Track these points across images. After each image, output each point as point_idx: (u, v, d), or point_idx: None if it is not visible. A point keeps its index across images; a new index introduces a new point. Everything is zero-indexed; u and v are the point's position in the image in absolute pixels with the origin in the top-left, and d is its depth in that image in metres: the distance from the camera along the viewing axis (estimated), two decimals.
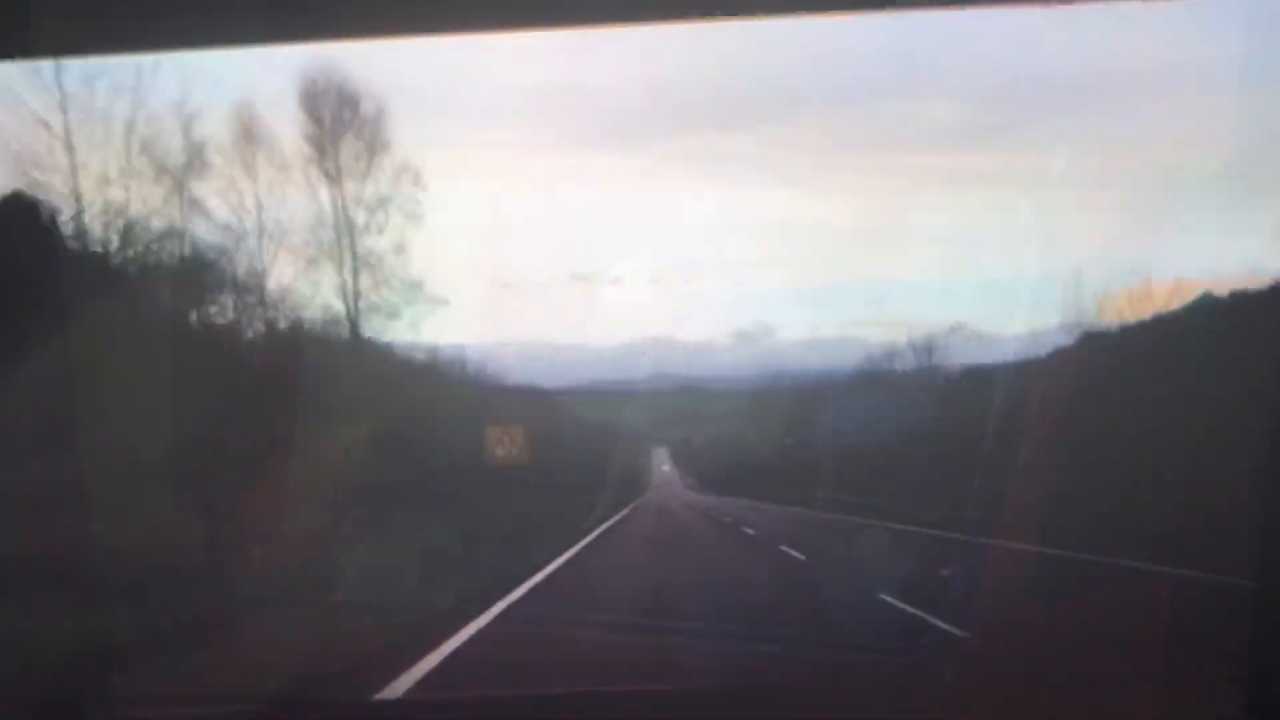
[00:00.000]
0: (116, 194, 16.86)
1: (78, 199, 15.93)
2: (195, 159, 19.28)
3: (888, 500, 28.61)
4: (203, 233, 18.84)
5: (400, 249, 24.76)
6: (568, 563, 15.88)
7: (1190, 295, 23.13)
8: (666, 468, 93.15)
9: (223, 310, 18.84)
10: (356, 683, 6.19)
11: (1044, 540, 17.32)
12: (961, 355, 36.52)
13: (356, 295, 24.69)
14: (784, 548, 18.51)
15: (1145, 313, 25.28)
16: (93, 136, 16.37)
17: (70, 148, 16.26)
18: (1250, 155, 20.23)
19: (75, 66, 14.94)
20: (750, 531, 24.76)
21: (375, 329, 25.51)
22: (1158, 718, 2.96)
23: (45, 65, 14.33)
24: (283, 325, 21.74)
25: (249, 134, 21.46)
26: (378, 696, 5.70)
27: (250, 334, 19.01)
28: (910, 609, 9.69)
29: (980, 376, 34.23)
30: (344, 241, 24.24)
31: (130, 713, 3.85)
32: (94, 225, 16.12)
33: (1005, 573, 16.91)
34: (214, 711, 3.87)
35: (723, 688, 4.60)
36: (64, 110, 15.90)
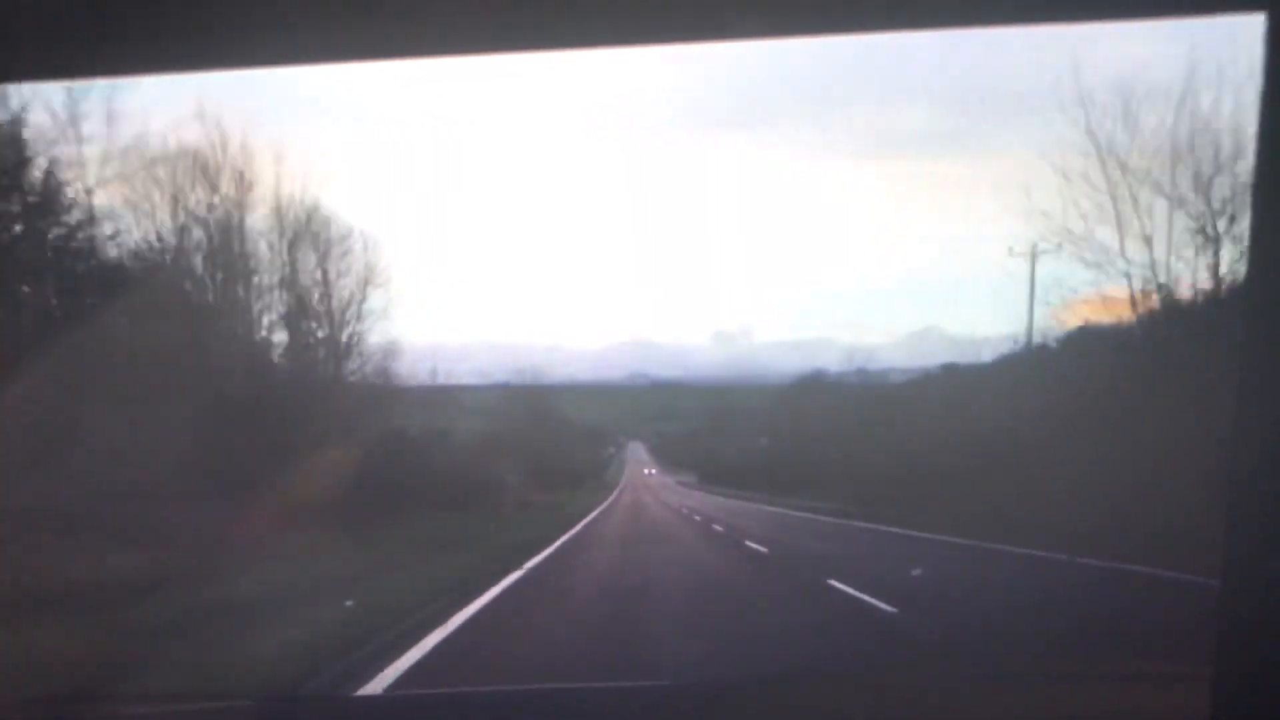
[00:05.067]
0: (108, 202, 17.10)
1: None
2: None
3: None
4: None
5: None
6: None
7: (1157, 301, 23.55)
8: (651, 472, 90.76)
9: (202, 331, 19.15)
10: (339, 679, 6.21)
11: (991, 537, 18.00)
12: (934, 357, 36.86)
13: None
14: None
15: (1116, 317, 25.72)
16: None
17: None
18: (1215, 165, 20.67)
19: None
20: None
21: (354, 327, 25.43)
22: (1124, 715, 3.04)
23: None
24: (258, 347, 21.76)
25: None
26: (360, 692, 5.73)
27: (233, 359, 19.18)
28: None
29: (950, 378, 34.65)
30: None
31: (116, 710, 3.86)
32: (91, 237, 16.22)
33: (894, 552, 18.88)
34: (197, 708, 3.88)
35: (705, 683, 4.67)
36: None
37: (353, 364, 25.24)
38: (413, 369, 29.72)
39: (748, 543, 20.78)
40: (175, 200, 19.21)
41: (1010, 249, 29.83)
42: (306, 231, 23.44)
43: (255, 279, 21.83)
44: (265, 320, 22.46)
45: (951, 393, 32.08)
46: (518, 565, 14.76)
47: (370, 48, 2.29)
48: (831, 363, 46.17)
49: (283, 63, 2.37)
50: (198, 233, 19.87)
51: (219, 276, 20.57)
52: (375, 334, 25.67)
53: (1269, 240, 1.81)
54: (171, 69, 2.70)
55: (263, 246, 22.24)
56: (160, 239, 19.07)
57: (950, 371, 35.40)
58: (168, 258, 18.98)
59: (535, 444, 41.55)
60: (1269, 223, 1.79)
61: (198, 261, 20.02)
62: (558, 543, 21.20)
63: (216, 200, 20.09)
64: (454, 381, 36.83)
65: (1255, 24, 1.61)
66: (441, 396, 33.09)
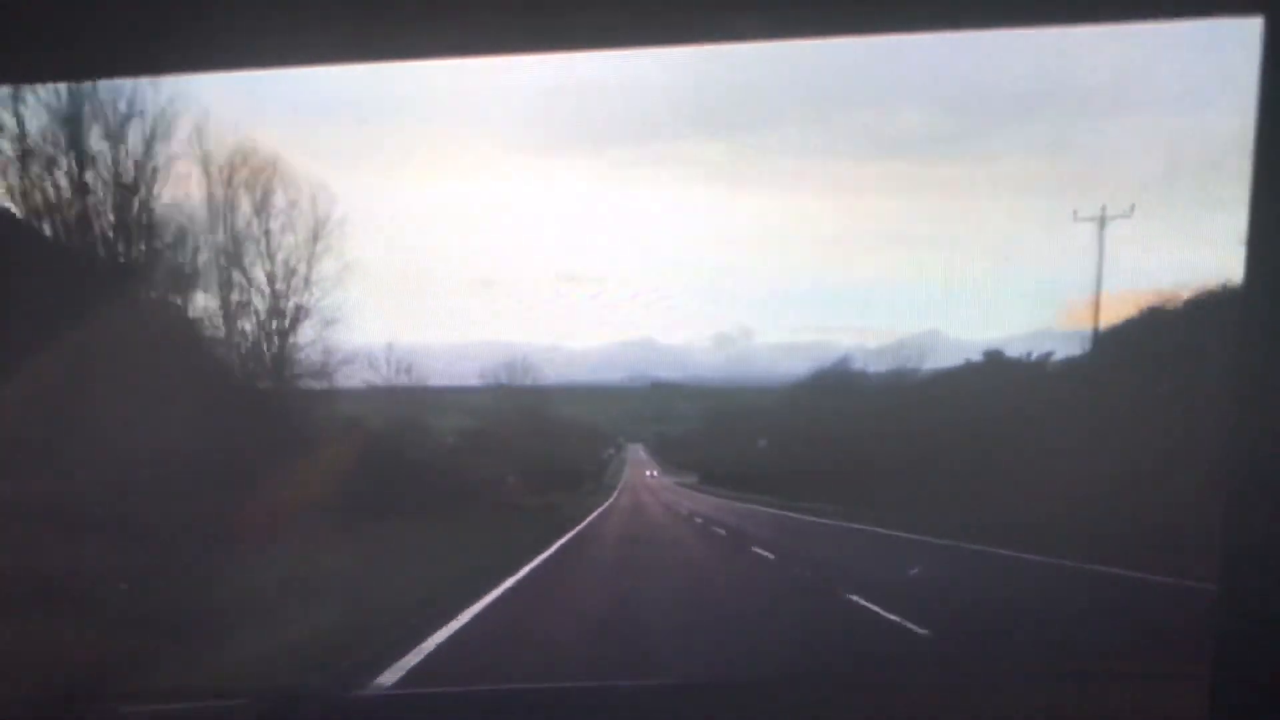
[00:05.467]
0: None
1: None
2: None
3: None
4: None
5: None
6: None
7: (1154, 302, 23.61)
8: (653, 474, 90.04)
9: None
10: (342, 677, 6.22)
11: (987, 540, 17.80)
12: (931, 360, 36.75)
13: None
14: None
15: (1112, 319, 25.74)
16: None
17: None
18: (1209, 167, 20.65)
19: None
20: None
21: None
22: (1125, 714, 3.05)
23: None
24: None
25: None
26: (362, 692, 5.74)
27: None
28: None
29: (948, 381, 34.35)
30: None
31: (116, 707, 3.88)
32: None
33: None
34: (199, 706, 3.90)
35: (710, 682, 4.68)
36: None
37: (303, 336, 21.00)
38: (399, 368, 28.18)
39: (852, 596, 11.13)
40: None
41: (1075, 213, 26.98)
42: (240, 174, 19.51)
43: (181, 233, 18.27)
44: (197, 288, 19.03)
45: (1002, 385, 29.48)
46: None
47: (377, 49, 2.31)
48: (827, 364, 45.85)
49: (283, 64, 2.39)
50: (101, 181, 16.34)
51: (130, 234, 16.93)
52: (328, 306, 21.26)
53: (1267, 240, 1.82)
54: (176, 70, 2.73)
55: (193, 193, 18.74)
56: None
57: (995, 361, 32.82)
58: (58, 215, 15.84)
59: (530, 445, 39.35)
60: (1267, 222, 1.81)
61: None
62: (524, 571, 14.16)
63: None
64: (455, 383, 36.40)
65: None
66: (430, 396, 31.93)
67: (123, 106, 16.88)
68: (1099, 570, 13.85)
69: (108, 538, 9.66)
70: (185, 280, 18.87)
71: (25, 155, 15.54)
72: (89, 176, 16.26)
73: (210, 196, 19.52)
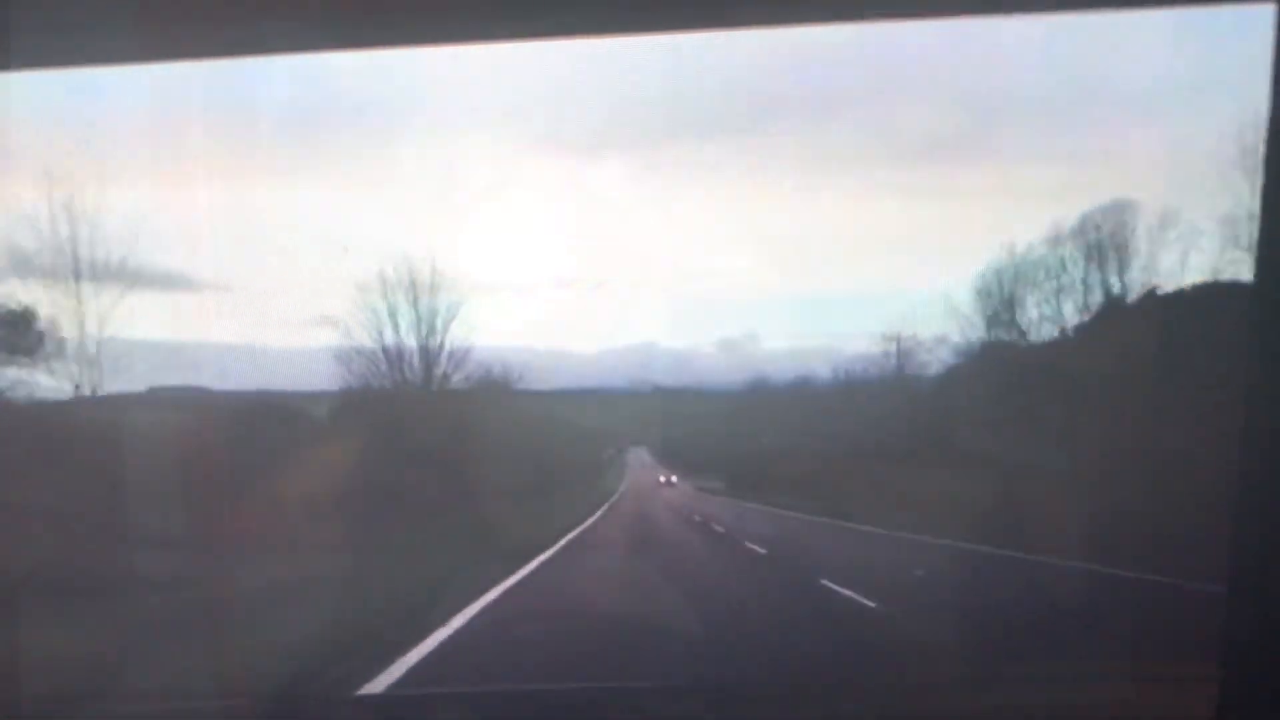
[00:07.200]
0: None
1: None
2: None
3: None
4: None
5: None
6: None
7: (1162, 301, 23.49)
8: (671, 480, 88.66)
9: None
10: (340, 678, 6.19)
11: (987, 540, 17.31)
12: (935, 363, 36.48)
13: None
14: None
15: (1121, 318, 25.56)
16: None
17: None
18: (1214, 165, 20.61)
19: None
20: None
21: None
22: (1131, 717, 3.02)
23: None
24: None
25: None
26: (361, 692, 5.71)
27: None
28: None
29: (953, 382, 33.98)
30: None
31: (117, 707, 3.86)
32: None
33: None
34: (200, 706, 3.88)
35: (711, 685, 4.65)
36: None
37: None
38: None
39: None
40: None
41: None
42: None
43: None
44: None
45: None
46: None
47: (369, 36, 2.28)
48: (834, 369, 45.47)
49: (272, 51, 2.36)
50: None
51: None
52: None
53: (1278, 232, 1.79)
54: (170, 57, 2.70)
55: None
56: None
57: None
58: None
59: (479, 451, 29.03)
60: (1278, 213, 1.77)
61: None
62: None
63: None
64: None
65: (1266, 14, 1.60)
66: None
67: None
68: None
69: None
70: None
71: None
72: None
73: None
